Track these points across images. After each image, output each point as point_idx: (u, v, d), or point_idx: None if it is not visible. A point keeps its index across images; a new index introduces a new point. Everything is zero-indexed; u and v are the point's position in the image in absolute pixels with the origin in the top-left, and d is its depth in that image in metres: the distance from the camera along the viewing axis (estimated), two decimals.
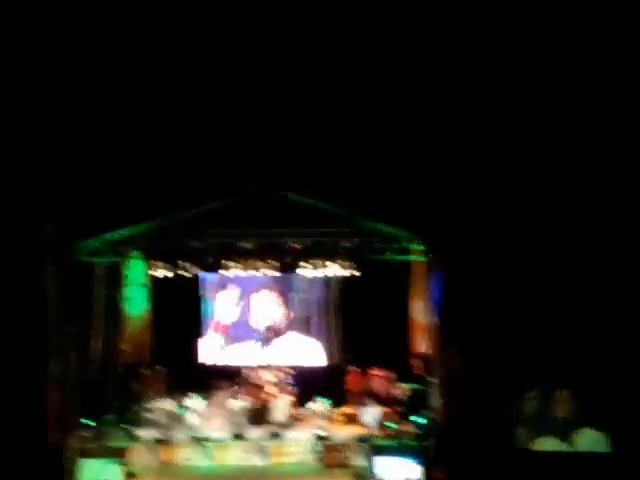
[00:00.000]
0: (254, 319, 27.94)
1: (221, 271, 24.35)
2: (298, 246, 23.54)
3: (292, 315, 27.93)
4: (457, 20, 21.13)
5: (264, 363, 27.31)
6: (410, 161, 22.22)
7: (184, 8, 21.13)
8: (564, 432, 21.68)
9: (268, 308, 27.86)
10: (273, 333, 27.74)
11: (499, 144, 21.83)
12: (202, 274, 25.69)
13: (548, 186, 21.40)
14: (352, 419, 25.55)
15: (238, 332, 28.02)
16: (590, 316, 21.22)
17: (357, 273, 23.85)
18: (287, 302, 27.96)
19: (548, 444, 21.70)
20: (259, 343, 27.86)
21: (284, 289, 27.80)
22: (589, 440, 21.48)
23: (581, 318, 21.22)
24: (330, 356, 27.74)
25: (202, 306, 28.08)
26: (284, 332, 27.92)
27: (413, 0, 21.09)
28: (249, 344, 27.90)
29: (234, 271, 24.02)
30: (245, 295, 27.94)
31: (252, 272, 24.24)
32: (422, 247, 23.21)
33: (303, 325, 27.93)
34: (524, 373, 21.19)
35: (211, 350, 28.23)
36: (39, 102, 22.21)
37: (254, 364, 27.31)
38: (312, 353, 27.76)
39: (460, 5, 20.93)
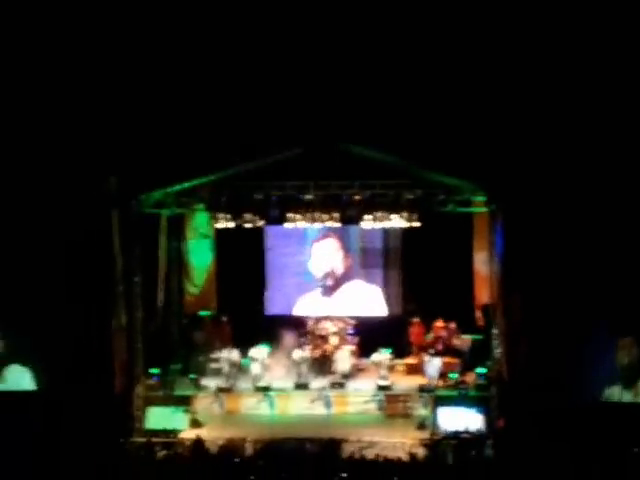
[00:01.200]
0: (315, 266, 28.07)
1: (285, 223, 24.46)
2: (360, 198, 23.50)
3: (352, 262, 27.97)
4: None
5: (327, 313, 27.46)
6: (474, 114, 22.11)
7: None
8: (628, 380, 21.63)
9: (329, 255, 27.95)
10: (333, 280, 27.80)
11: (562, 98, 21.64)
12: (267, 226, 25.82)
13: (610, 139, 21.17)
14: (414, 370, 25.75)
15: (302, 282, 28.18)
16: None
17: (419, 225, 23.76)
18: (348, 251, 28.03)
19: (612, 393, 21.69)
20: (321, 292, 27.98)
21: (346, 239, 27.84)
22: None
23: None
24: (392, 307, 27.75)
25: (266, 257, 28.25)
26: (345, 281, 28.01)
27: None
28: (312, 294, 28.05)
29: (297, 223, 24.08)
30: (308, 244, 28.09)
31: (315, 224, 24.28)
32: (485, 198, 23.08)
33: (365, 274, 27.96)
34: (587, 321, 21.07)
35: (277, 301, 28.42)
36: (104, 60, 22.52)
37: (318, 314, 27.49)
38: (374, 303, 27.81)
39: None
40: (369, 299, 27.85)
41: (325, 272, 27.84)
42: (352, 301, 27.86)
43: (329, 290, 27.87)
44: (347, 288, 27.98)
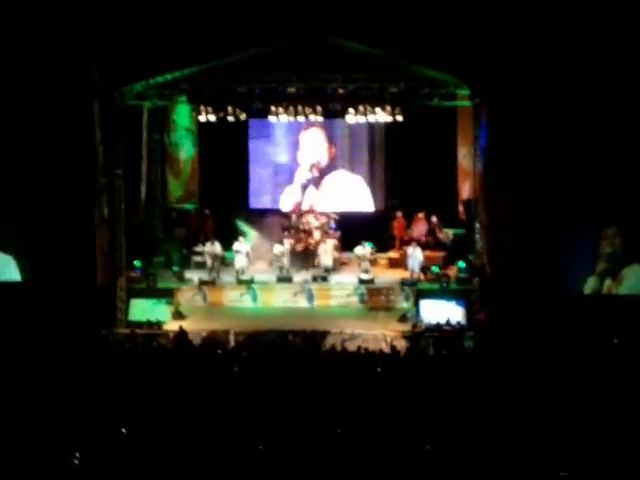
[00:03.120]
0: (302, 156, 27.95)
1: (268, 117, 24.29)
2: (343, 91, 23.32)
3: (336, 154, 27.84)
4: None
5: (312, 206, 27.46)
6: (459, 7, 21.82)
7: None
8: (611, 270, 21.81)
9: (316, 145, 27.82)
10: (318, 172, 27.71)
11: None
12: (250, 119, 25.63)
13: (593, 31, 20.95)
14: (396, 263, 25.88)
15: (287, 175, 28.14)
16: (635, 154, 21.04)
17: (403, 119, 23.65)
18: (334, 142, 27.87)
19: (594, 284, 21.87)
20: (304, 184, 27.93)
21: (331, 130, 27.66)
22: (636, 276, 21.62)
23: (626, 157, 21.02)
24: (376, 201, 27.76)
25: (250, 150, 28.12)
26: (329, 171, 27.96)
27: None
28: (295, 187, 28.02)
29: (280, 116, 23.93)
30: (294, 135, 27.94)
31: (298, 117, 24.12)
32: (469, 92, 22.95)
33: (349, 166, 27.89)
34: (571, 212, 21.13)
35: (260, 194, 28.41)
36: None
37: (301, 208, 27.51)
38: (360, 197, 27.84)
39: None
40: (354, 193, 27.85)
41: (311, 163, 27.74)
42: (338, 195, 27.87)
43: (314, 182, 27.79)
44: (332, 180, 27.93)
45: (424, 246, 25.30)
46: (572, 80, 20.77)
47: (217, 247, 25.22)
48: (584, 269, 21.83)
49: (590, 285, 21.83)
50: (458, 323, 22.07)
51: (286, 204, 27.92)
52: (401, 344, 20.65)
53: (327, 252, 25.37)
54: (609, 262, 21.71)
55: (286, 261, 25.06)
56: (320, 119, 24.23)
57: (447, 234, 25.91)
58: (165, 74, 23.12)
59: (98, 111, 22.47)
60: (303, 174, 27.86)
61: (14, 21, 21.90)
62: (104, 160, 22.71)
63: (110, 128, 22.79)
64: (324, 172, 27.91)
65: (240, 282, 24.39)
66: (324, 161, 27.82)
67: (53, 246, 21.83)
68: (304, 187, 27.87)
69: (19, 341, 18.16)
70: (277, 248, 25.24)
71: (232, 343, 21.15)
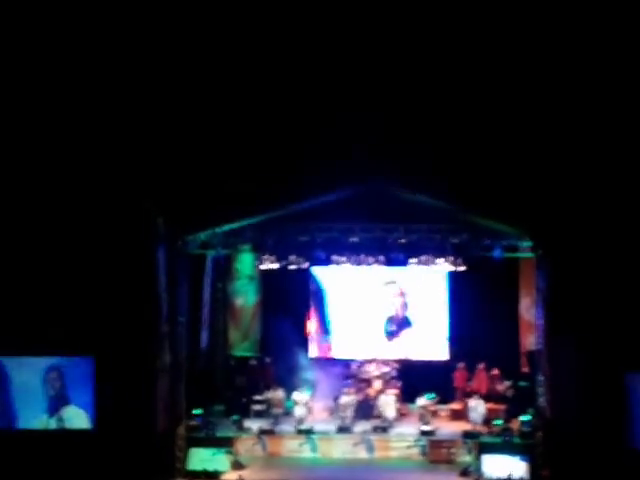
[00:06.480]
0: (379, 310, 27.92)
1: (330, 265, 24.52)
2: (405, 241, 23.54)
3: (409, 307, 27.84)
4: None
5: (384, 357, 27.30)
6: (521, 159, 22.05)
7: None
8: None
9: (391, 299, 27.85)
10: (396, 326, 27.71)
11: (611, 149, 21.56)
12: (313, 267, 25.85)
13: None
14: (458, 415, 25.53)
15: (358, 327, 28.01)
16: None
17: (464, 269, 23.76)
18: (404, 295, 27.94)
19: None
20: (385, 337, 27.82)
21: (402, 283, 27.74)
22: None
23: None
24: (442, 351, 27.63)
25: (311, 299, 28.21)
26: (405, 325, 27.89)
27: None
28: (372, 337, 27.83)
29: (343, 265, 24.14)
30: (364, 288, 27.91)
31: (360, 266, 24.31)
32: (531, 244, 23.02)
33: (419, 319, 27.81)
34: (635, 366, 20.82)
35: (321, 344, 28.33)
36: (150, 105, 22.72)
37: (367, 357, 27.33)
38: (432, 347, 27.65)
39: None
40: (427, 343, 27.68)
41: (389, 316, 27.78)
42: (411, 345, 27.72)
43: (392, 334, 27.78)
44: (408, 332, 27.81)
45: (486, 398, 24.98)
46: (633, 234, 20.79)
47: (280, 393, 25.33)
48: None
49: None
50: (521, 478, 21.57)
51: (351, 354, 27.74)
52: None
53: (389, 403, 25.04)
54: None
55: (350, 412, 24.77)
56: (384, 268, 24.43)
57: (509, 386, 25.59)
58: (229, 224, 23.50)
59: (163, 259, 22.76)
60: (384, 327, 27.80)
61: (88, 167, 22.46)
62: (167, 307, 22.92)
63: (174, 275, 23.08)
64: (400, 324, 27.83)
65: (299, 432, 24.13)
66: (401, 315, 27.83)
67: (114, 394, 21.86)
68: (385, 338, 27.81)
69: None
70: (344, 399, 25.00)
71: None
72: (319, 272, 27.46)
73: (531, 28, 21.20)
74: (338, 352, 27.94)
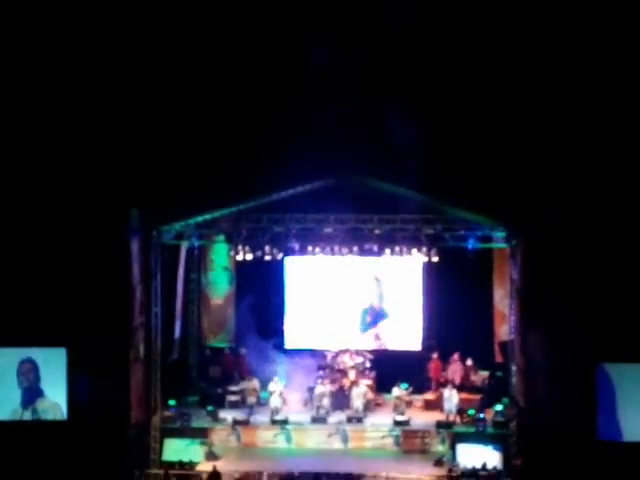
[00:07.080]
0: (351, 302, 27.91)
1: (304, 255, 24.55)
2: (379, 232, 23.57)
3: (384, 297, 27.86)
4: None
5: (356, 347, 27.33)
6: (495, 150, 22.12)
7: None
8: None
9: (364, 290, 27.85)
10: (371, 317, 27.74)
11: (585, 140, 21.65)
12: (286, 258, 25.84)
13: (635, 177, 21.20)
14: (432, 405, 25.59)
15: (328, 316, 27.99)
16: None
17: (438, 260, 23.86)
18: (379, 285, 27.91)
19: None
20: (360, 328, 27.84)
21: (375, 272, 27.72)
22: None
23: None
24: (416, 341, 27.67)
25: (285, 289, 28.19)
26: (380, 316, 27.85)
27: None
28: (347, 328, 27.84)
29: (317, 255, 24.18)
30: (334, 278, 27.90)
31: (334, 256, 24.36)
32: (505, 234, 23.10)
33: (394, 309, 27.80)
34: (608, 357, 20.93)
35: (297, 334, 28.27)
36: (128, 99, 22.68)
37: (340, 348, 27.33)
38: (407, 337, 27.66)
39: None
40: (401, 333, 27.72)
41: (364, 308, 27.83)
42: (385, 335, 27.77)
43: (367, 324, 27.79)
44: (383, 322, 27.83)
45: (460, 388, 25.08)
46: (610, 220, 20.89)
47: (255, 383, 25.38)
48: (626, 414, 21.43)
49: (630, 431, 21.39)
50: (494, 468, 21.63)
51: (325, 345, 27.71)
52: None
53: (359, 395, 25.06)
54: None
55: (327, 402, 24.79)
56: (356, 258, 24.47)
57: (483, 376, 25.71)
58: (204, 215, 23.44)
59: (137, 249, 22.68)
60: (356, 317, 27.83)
61: (57, 156, 22.36)
62: (141, 298, 22.86)
63: (148, 266, 23.02)
64: (376, 316, 27.83)
65: (274, 422, 24.13)
66: (376, 305, 27.84)
67: (88, 385, 21.79)
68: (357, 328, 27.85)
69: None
70: (319, 389, 25.01)
71: None
72: (293, 262, 27.45)
73: (511, 20, 21.40)
74: (313, 343, 27.89)
